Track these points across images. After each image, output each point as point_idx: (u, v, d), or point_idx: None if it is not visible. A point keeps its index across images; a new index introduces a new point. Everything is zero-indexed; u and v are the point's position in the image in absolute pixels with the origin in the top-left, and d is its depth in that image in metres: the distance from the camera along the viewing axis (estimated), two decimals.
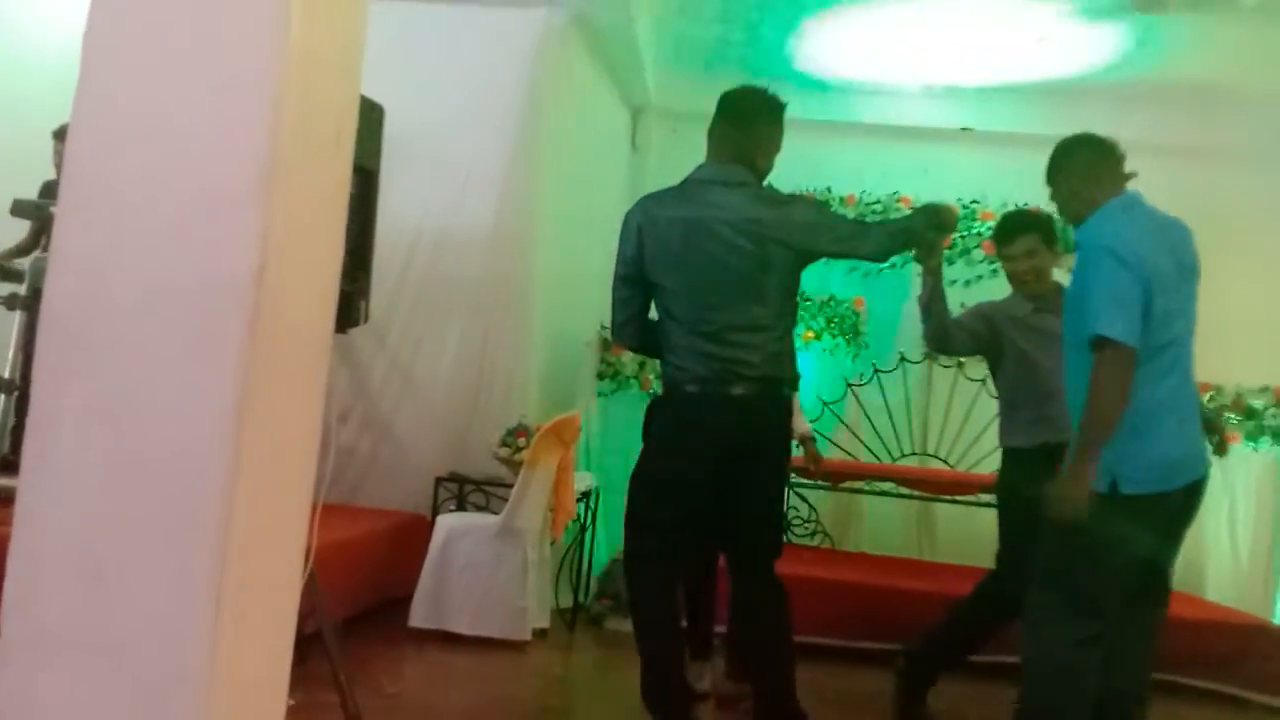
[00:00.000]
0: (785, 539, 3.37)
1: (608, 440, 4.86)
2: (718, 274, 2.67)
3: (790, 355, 2.78)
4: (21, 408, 4.25)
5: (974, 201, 5.45)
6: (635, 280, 2.80)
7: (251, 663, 1.49)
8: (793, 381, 2.79)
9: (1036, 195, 2.94)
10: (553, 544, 4.30)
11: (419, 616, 3.93)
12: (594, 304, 4.78)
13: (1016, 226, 3.29)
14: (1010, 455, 3.28)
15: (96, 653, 1.36)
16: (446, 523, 4.09)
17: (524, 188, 4.79)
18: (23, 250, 4.44)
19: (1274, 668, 4.01)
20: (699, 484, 2.68)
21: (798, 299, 2.85)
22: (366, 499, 4.67)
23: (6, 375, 4.28)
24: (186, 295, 1.40)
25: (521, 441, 4.31)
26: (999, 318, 3.28)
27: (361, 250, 2.80)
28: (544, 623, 4.15)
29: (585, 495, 4.54)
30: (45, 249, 4.32)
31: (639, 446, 3.01)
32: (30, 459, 1.41)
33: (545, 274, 4.83)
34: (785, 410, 2.77)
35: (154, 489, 1.38)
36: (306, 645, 2.57)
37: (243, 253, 1.39)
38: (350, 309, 2.80)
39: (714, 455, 2.67)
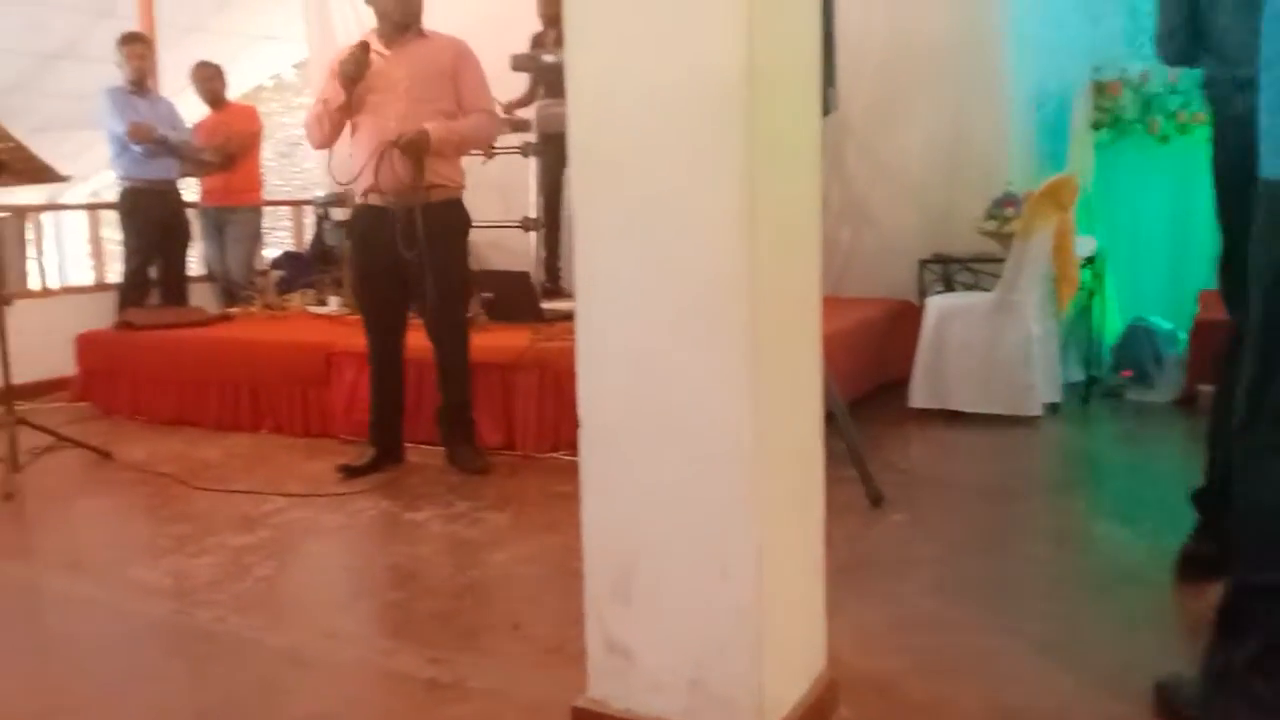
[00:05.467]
0: None
1: (1111, 197, 4.32)
2: None
3: None
4: (550, 241, 4.91)
5: None
6: None
7: (789, 437, 1.60)
8: None
9: None
10: (1058, 316, 4.02)
11: (919, 397, 3.97)
12: (1083, 42, 4.17)
13: None
14: None
15: (656, 437, 1.54)
16: (936, 304, 4.02)
17: None
18: (522, 102, 5.00)
19: None
20: None
21: None
22: (852, 289, 4.73)
23: (532, 215, 4.93)
24: (687, 102, 1.45)
25: (1010, 212, 4.03)
26: None
27: (823, 25, 2.69)
28: (1055, 397, 3.95)
29: (1089, 261, 4.14)
30: (543, 97, 4.81)
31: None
32: (581, 278, 1.60)
33: (1020, 16, 4.30)
34: None
35: (682, 292, 1.50)
36: None
37: (731, 48, 1.40)
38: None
39: None
